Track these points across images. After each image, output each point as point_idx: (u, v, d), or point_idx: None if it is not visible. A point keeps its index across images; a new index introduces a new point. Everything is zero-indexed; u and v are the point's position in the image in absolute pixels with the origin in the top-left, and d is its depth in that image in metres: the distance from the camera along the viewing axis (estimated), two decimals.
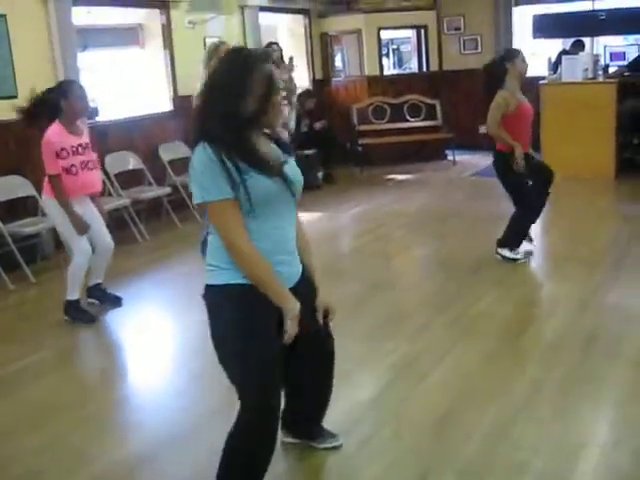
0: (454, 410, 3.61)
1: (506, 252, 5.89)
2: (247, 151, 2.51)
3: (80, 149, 5.00)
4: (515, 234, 5.91)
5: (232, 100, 2.49)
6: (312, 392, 3.17)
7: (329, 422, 3.33)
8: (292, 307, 2.57)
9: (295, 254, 2.76)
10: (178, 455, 3.37)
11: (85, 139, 5.09)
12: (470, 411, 3.58)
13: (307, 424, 3.30)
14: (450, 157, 10.93)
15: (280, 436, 3.24)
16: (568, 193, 7.89)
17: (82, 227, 5.01)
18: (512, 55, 5.78)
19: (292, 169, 2.67)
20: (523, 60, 5.74)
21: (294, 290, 2.68)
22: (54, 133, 4.91)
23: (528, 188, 5.87)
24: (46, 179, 5.02)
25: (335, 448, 3.30)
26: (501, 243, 5.94)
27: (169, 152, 8.24)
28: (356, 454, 3.29)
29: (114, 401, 4.07)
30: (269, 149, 2.63)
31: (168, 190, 7.80)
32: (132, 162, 7.72)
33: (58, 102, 4.89)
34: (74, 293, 5.16)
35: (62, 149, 4.90)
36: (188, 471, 3.25)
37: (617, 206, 8.14)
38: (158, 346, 4.88)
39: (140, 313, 5.47)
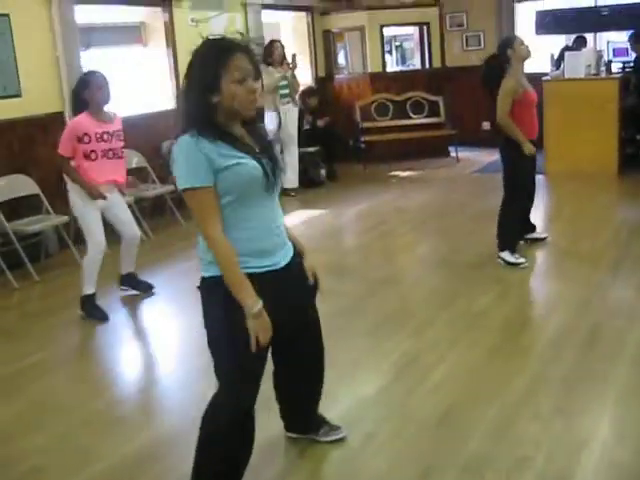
0: (457, 406, 3.63)
1: (507, 255, 5.75)
2: (229, 136, 2.55)
3: (106, 136, 5.08)
4: (509, 231, 5.83)
5: (206, 89, 2.52)
6: (304, 386, 3.20)
7: (330, 418, 3.35)
8: (251, 304, 2.53)
9: (283, 238, 2.77)
10: (184, 451, 3.38)
11: (115, 127, 5.18)
12: (473, 407, 3.60)
13: (303, 417, 3.33)
14: (453, 154, 10.94)
15: (283, 432, 3.30)
16: (570, 189, 7.91)
17: (95, 193, 5.06)
18: (510, 41, 5.73)
19: (272, 158, 2.71)
20: (522, 43, 5.67)
21: (286, 272, 2.71)
22: (79, 119, 5.04)
23: (530, 179, 5.85)
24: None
25: (338, 440, 3.33)
26: (500, 246, 5.83)
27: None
28: (359, 450, 3.30)
29: (120, 398, 4.10)
30: (248, 137, 2.67)
31: (171, 188, 7.81)
32: (135, 160, 7.74)
33: (81, 93, 5.03)
34: (89, 287, 5.21)
35: (85, 134, 5.00)
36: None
37: (620, 202, 8.14)
38: (163, 343, 4.91)
39: (145, 311, 5.49)
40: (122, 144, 5.27)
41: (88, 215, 5.14)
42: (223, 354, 2.72)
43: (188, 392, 4.04)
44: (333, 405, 3.31)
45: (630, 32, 9.61)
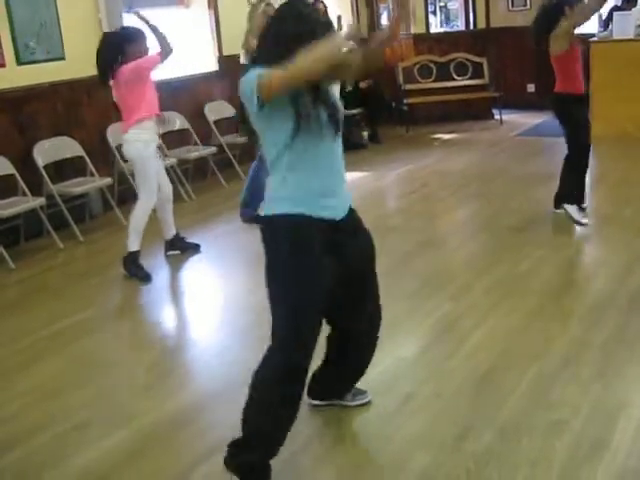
0: (495, 369, 3.63)
1: (574, 211, 5.69)
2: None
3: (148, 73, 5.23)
4: (578, 186, 5.78)
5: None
6: (356, 351, 3.18)
7: (369, 379, 3.38)
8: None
9: (343, 187, 2.80)
10: (224, 409, 3.45)
11: None
12: (511, 370, 3.60)
13: (340, 384, 3.35)
14: (497, 116, 10.78)
15: (306, 400, 3.23)
16: (617, 153, 7.78)
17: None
18: (572, 1, 5.56)
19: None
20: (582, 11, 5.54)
21: (340, 225, 2.74)
22: (144, 57, 5.15)
23: (588, 124, 5.78)
24: (125, 115, 5.22)
25: (366, 404, 3.37)
26: (560, 199, 5.80)
27: (215, 112, 8.28)
28: (396, 411, 3.34)
29: (161, 357, 4.18)
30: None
31: (214, 150, 7.86)
32: (178, 122, 7.78)
33: (123, 47, 5.08)
34: (134, 244, 5.29)
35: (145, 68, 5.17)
36: (234, 423, 3.32)
37: None
38: (205, 303, 4.98)
39: (187, 271, 5.57)
40: None
41: (149, 162, 5.24)
42: (282, 306, 2.73)
43: (228, 355, 4.10)
44: (371, 366, 3.33)
45: None
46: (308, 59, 2.41)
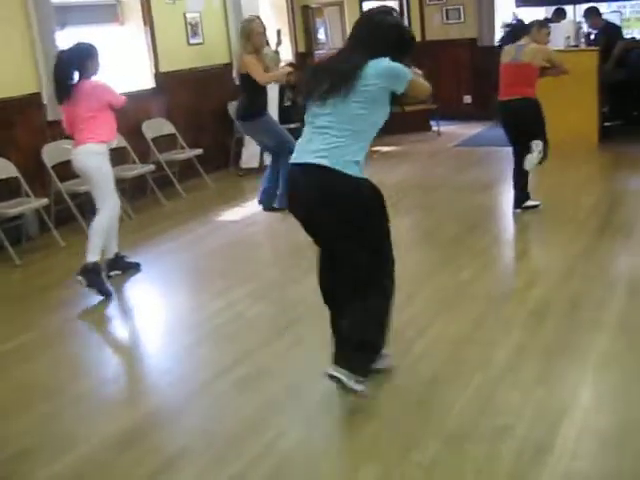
0: (439, 378, 3.65)
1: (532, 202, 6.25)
2: None
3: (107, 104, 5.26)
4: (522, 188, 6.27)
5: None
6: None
7: (312, 396, 3.36)
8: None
9: None
10: (168, 431, 3.41)
11: None
12: (455, 378, 3.63)
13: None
14: (435, 128, 10.93)
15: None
16: (552, 160, 7.89)
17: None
18: (542, 25, 6.31)
19: None
20: (548, 34, 6.28)
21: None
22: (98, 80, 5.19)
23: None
24: (82, 128, 5.17)
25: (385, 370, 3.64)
26: (524, 199, 6.28)
27: (152, 129, 8.21)
28: (342, 425, 3.34)
29: (104, 380, 4.10)
30: None
31: (152, 167, 7.77)
32: (115, 140, 7.66)
33: (84, 63, 5.12)
34: (95, 254, 5.15)
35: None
36: (179, 445, 3.28)
37: (600, 172, 8.17)
38: (148, 323, 4.91)
39: (130, 291, 5.48)
40: None
41: (108, 174, 5.26)
42: (380, 239, 3.40)
43: (173, 371, 4.05)
44: (313, 382, 3.32)
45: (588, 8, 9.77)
46: (425, 85, 3.64)
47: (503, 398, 3.40)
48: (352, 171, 3.24)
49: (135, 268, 5.70)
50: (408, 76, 3.34)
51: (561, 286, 4.71)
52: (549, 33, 6.34)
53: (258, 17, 9.03)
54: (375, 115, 3.34)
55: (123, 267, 5.63)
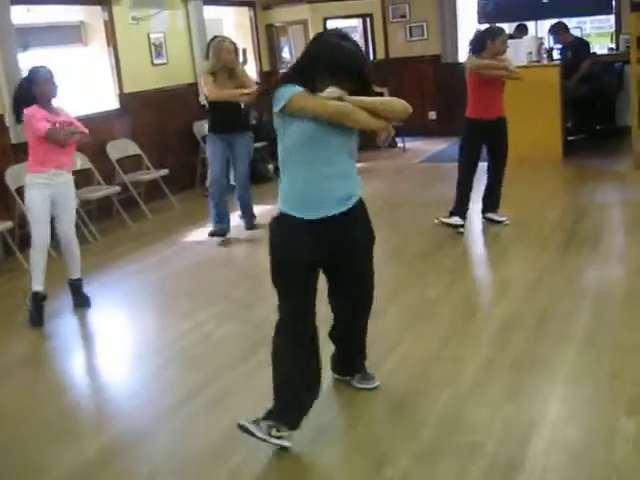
0: (408, 395, 3.65)
1: (452, 219, 6.23)
2: None
3: (57, 125, 5.07)
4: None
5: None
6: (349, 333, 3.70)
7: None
8: None
9: None
10: (135, 456, 3.36)
11: (65, 118, 5.19)
12: (424, 395, 3.62)
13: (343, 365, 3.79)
14: (400, 144, 10.98)
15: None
16: (517, 175, 7.97)
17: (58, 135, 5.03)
18: (495, 33, 5.99)
19: None
20: (503, 42, 6.00)
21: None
22: (35, 107, 5.01)
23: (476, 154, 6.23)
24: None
25: (371, 389, 3.67)
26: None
27: (117, 150, 8.15)
28: (312, 443, 3.30)
29: (69, 405, 4.04)
30: None
31: (118, 189, 7.72)
32: (79, 162, 7.59)
33: (30, 90, 5.03)
34: (33, 283, 5.11)
35: (45, 119, 5.01)
36: (148, 469, 3.24)
37: (564, 186, 8.26)
38: (114, 347, 4.83)
39: (94, 314, 5.40)
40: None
41: (34, 207, 5.10)
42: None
43: (139, 395, 4.00)
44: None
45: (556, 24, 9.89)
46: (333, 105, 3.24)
47: (472, 414, 3.40)
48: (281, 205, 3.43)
49: (83, 304, 5.41)
50: (286, 95, 3.15)
51: (528, 300, 4.73)
52: (504, 41, 6.15)
53: (228, 38, 9.11)
54: (285, 140, 3.35)
55: (72, 293, 5.45)
